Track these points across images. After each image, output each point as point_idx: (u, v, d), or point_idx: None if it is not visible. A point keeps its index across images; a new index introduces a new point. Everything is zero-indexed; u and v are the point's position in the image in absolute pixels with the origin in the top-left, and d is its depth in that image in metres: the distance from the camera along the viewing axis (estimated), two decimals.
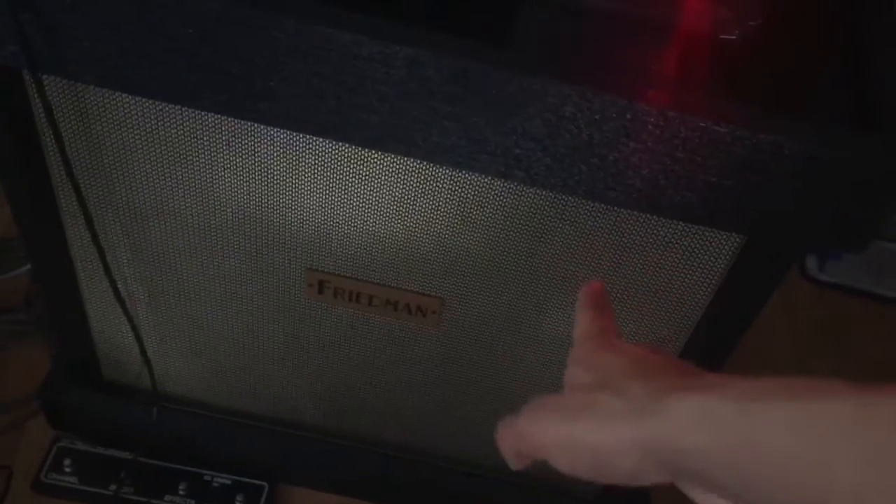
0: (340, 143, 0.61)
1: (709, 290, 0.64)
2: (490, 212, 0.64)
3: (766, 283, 0.61)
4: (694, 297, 0.65)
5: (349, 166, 0.63)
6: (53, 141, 0.62)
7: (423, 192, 0.64)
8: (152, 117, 0.62)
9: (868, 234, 0.55)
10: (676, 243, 0.62)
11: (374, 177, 0.64)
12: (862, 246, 0.56)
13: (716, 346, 0.68)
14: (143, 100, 0.61)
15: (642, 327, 0.70)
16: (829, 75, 0.55)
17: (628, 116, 0.51)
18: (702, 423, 0.35)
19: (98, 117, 0.63)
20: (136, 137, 0.64)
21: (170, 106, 0.61)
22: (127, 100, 0.61)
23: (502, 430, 0.44)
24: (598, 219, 0.62)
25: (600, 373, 0.42)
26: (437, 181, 0.62)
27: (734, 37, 0.53)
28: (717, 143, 0.51)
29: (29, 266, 1.02)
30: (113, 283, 0.70)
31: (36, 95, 0.59)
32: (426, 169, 0.62)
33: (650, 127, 0.51)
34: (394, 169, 0.63)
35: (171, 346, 0.83)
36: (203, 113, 0.61)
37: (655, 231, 0.62)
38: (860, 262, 1.24)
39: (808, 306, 1.22)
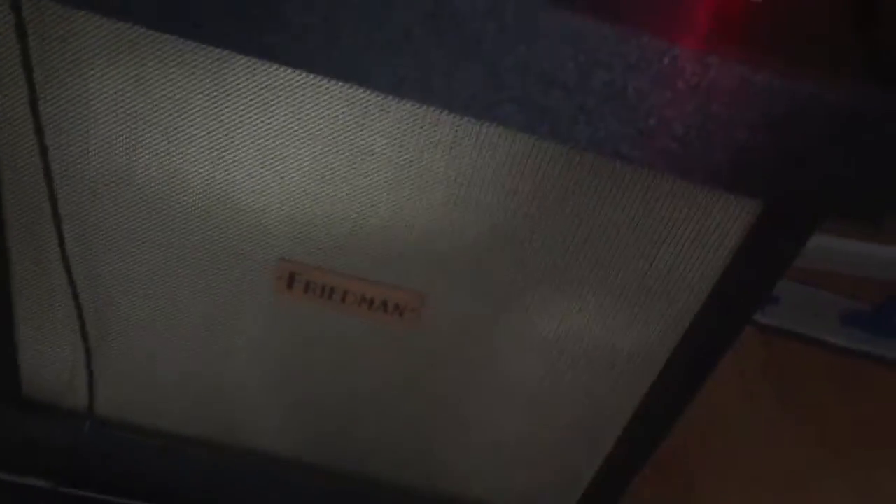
0: (326, 107, 0.57)
1: (717, 268, 0.62)
2: (485, 192, 0.61)
3: (780, 258, 0.60)
4: (702, 277, 0.63)
5: (337, 134, 0.59)
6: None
7: (415, 171, 0.60)
8: (123, 54, 0.56)
9: (887, 203, 0.54)
10: (684, 217, 0.60)
11: (363, 151, 0.60)
12: (881, 217, 0.55)
13: (715, 341, 0.66)
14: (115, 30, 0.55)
15: (638, 322, 0.67)
16: (852, 36, 0.55)
17: (666, 61, 0.49)
18: None
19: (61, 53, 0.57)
20: (103, 81, 0.58)
21: (145, 37, 0.55)
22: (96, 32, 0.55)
23: None
24: (601, 196, 0.60)
25: None
26: (431, 158, 0.59)
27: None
28: (753, 93, 0.50)
29: None
30: (65, 260, 0.63)
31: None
32: (420, 138, 0.58)
33: (687, 74, 0.49)
34: (386, 141, 0.59)
35: (111, 348, 0.75)
36: (179, 53, 0.56)
37: (661, 206, 0.60)
38: (795, 307, 1.27)
39: (751, 349, 1.23)
